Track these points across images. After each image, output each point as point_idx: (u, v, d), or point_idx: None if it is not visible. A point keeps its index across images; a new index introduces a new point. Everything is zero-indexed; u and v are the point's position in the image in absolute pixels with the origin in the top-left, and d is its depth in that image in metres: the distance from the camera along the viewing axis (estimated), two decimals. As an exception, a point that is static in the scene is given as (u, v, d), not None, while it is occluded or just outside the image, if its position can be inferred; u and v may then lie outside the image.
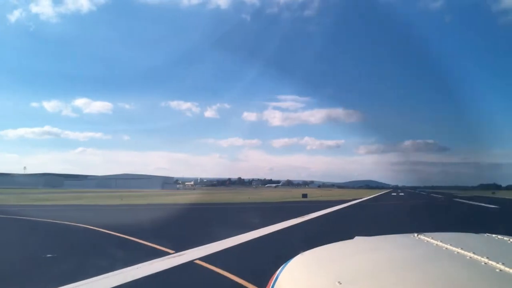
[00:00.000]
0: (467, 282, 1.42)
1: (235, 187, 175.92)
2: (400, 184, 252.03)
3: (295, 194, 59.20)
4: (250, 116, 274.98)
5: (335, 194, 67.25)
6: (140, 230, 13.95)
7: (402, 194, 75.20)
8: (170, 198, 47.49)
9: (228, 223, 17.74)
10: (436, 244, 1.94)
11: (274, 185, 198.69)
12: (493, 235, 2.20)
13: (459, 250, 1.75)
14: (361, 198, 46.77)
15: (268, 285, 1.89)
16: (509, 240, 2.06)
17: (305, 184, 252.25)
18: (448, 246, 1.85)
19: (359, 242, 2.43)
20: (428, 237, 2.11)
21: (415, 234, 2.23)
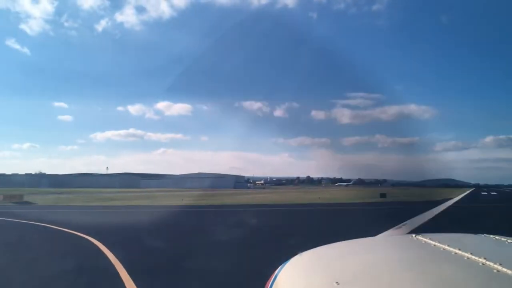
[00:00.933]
0: (464, 283, 1.40)
1: (303, 185, 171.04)
2: (481, 183, 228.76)
3: (370, 194, 53.44)
4: (318, 114, 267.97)
5: (416, 193, 59.61)
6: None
7: (495, 193, 64.64)
8: (244, 197, 44.64)
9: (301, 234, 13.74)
10: (434, 245, 1.91)
11: (345, 183, 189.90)
12: (491, 236, 2.14)
13: (457, 251, 1.72)
14: (452, 198, 39.58)
15: (266, 286, 1.83)
16: (506, 240, 1.99)
17: (378, 183, 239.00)
18: (446, 247, 1.81)
19: (357, 243, 2.39)
20: (426, 238, 2.08)
21: (413, 235, 2.20)
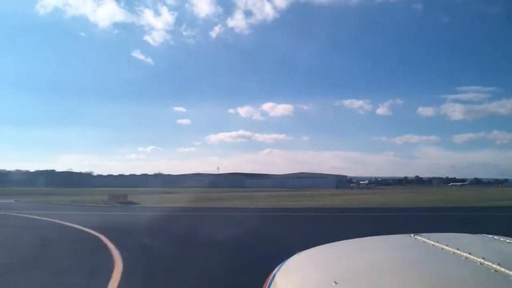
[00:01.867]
0: (462, 282, 1.39)
1: (412, 186, 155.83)
2: None
3: (498, 195, 43.85)
4: (425, 111, 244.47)
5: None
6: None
7: None
8: (349, 199, 39.45)
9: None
10: (433, 245, 1.90)
11: (459, 183, 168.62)
12: (489, 236, 2.12)
13: (455, 251, 1.71)
14: None
15: (264, 285, 1.82)
16: (505, 240, 1.99)
17: (498, 182, 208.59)
18: (444, 247, 1.80)
19: (356, 242, 2.36)
20: (425, 238, 2.07)
21: (412, 235, 2.17)
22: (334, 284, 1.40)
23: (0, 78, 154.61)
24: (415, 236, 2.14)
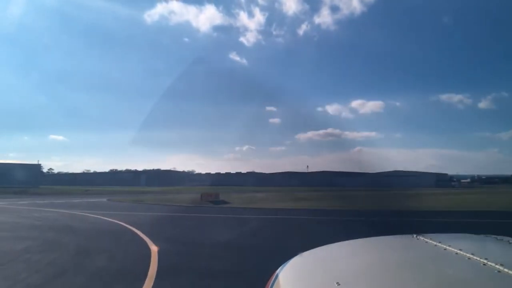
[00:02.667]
0: (466, 283, 1.37)
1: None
2: None
3: None
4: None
5: None
6: None
7: None
8: (463, 198, 33.34)
9: None
10: (435, 245, 1.86)
11: None
12: (492, 236, 2.09)
13: (458, 251, 1.68)
14: None
15: (267, 286, 1.79)
16: (508, 241, 1.94)
17: None
18: (447, 247, 1.77)
19: (358, 243, 2.35)
20: (427, 238, 2.03)
21: (414, 235, 2.14)
22: (336, 284, 1.38)
23: (116, 85, 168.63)
24: (418, 237, 2.09)
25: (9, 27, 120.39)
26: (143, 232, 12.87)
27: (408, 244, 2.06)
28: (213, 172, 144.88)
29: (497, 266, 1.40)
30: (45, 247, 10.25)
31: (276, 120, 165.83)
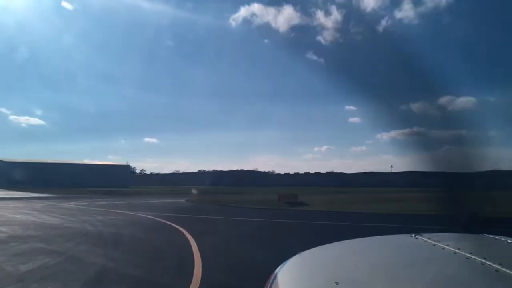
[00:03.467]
0: (464, 283, 1.36)
1: None
2: None
3: None
4: None
5: None
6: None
7: None
8: None
9: None
10: (434, 245, 1.82)
11: None
12: (491, 236, 1.99)
13: (457, 251, 1.64)
14: None
15: (266, 285, 1.75)
16: (506, 240, 1.88)
17: None
18: (446, 246, 1.73)
19: (357, 242, 2.33)
20: (426, 237, 1.98)
21: (413, 234, 2.08)
22: (335, 284, 1.38)
23: (204, 88, 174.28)
24: (416, 236, 2.05)
25: (117, 39, 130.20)
26: (199, 246, 9.88)
27: (407, 243, 2.02)
28: (291, 172, 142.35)
29: (495, 266, 1.36)
30: (54, 271, 7.25)
31: (356, 120, 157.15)
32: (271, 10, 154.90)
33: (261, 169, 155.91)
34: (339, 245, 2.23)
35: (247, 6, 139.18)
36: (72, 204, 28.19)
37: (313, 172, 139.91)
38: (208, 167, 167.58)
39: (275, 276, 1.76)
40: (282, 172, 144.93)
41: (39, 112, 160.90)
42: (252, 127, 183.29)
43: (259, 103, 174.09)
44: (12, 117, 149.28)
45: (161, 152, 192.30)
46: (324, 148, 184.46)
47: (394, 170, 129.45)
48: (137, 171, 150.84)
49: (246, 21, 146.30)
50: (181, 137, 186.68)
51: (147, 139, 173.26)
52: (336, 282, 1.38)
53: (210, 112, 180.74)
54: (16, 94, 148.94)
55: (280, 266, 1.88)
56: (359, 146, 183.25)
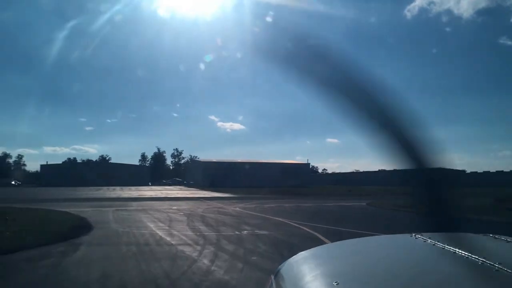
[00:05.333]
0: (464, 282, 1.32)
1: None
2: None
3: None
4: None
5: None
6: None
7: None
8: None
9: None
10: (434, 244, 1.75)
11: None
12: (491, 235, 1.95)
13: (457, 250, 1.58)
14: None
15: (266, 285, 1.82)
16: (506, 240, 1.83)
17: None
18: (446, 246, 1.66)
19: (357, 242, 2.30)
20: (426, 237, 1.90)
21: (413, 234, 2.01)
22: (335, 284, 1.34)
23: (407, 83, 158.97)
24: (416, 236, 1.96)
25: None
26: None
27: (406, 243, 1.96)
28: (480, 171, 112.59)
29: (495, 265, 1.32)
30: None
31: None
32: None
33: (448, 166, 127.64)
34: (340, 245, 2.22)
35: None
36: (238, 207, 24.16)
37: (509, 170, 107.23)
38: (389, 166, 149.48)
39: (276, 276, 1.77)
40: (468, 171, 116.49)
41: (240, 118, 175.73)
42: (437, 123, 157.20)
43: (440, 97, 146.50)
44: (219, 123, 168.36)
45: (342, 152, 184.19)
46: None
47: None
48: (319, 170, 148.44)
49: (423, 10, 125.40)
50: (362, 136, 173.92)
51: (329, 140, 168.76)
52: (336, 282, 1.35)
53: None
54: (221, 103, 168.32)
55: (280, 266, 1.88)
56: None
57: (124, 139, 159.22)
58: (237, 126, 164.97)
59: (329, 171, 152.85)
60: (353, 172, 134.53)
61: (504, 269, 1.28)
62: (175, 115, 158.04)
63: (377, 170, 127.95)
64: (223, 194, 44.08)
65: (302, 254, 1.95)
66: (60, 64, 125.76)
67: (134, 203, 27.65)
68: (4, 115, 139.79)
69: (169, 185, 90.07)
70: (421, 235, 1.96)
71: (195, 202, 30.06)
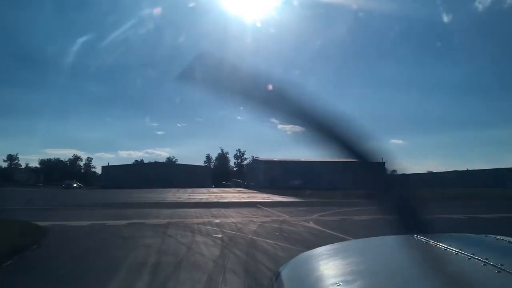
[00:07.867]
0: (466, 283, 1.25)
1: None
2: None
3: None
4: None
5: None
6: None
7: None
8: None
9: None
10: (436, 245, 1.61)
11: None
12: (493, 236, 1.77)
13: (459, 251, 1.47)
14: None
15: (268, 285, 1.73)
16: (508, 240, 1.66)
17: None
18: (448, 247, 1.54)
19: (358, 243, 2.23)
20: (427, 238, 1.75)
21: (414, 235, 1.83)
22: (337, 285, 1.30)
23: (451, 83, 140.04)
24: (418, 236, 1.80)
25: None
26: None
27: (408, 244, 1.78)
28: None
29: (497, 266, 1.26)
30: None
31: None
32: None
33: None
34: (341, 245, 2.12)
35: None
36: (311, 222, 14.60)
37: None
38: (459, 167, 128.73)
39: (278, 276, 1.69)
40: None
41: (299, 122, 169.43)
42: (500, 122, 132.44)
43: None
44: (280, 126, 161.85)
45: (407, 152, 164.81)
46: None
47: None
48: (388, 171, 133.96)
49: (496, 1, 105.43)
50: (427, 136, 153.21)
51: (393, 141, 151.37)
52: (338, 282, 1.32)
53: (454, 108, 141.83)
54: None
55: (282, 266, 1.79)
56: None
57: (192, 142, 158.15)
58: (297, 128, 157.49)
59: (398, 172, 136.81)
60: (422, 173, 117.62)
61: (506, 270, 1.21)
62: (239, 118, 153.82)
63: (447, 170, 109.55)
64: (286, 198, 34.53)
65: (304, 255, 1.91)
66: (135, 75, 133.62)
67: (167, 212, 19.39)
68: (84, 122, 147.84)
69: (229, 186, 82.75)
70: (423, 235, 1.79)
71: (250, 210, 20.86)
